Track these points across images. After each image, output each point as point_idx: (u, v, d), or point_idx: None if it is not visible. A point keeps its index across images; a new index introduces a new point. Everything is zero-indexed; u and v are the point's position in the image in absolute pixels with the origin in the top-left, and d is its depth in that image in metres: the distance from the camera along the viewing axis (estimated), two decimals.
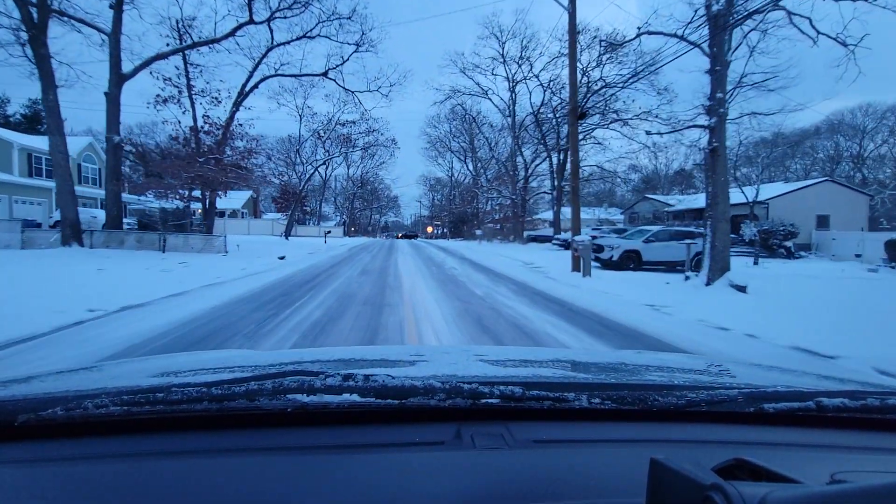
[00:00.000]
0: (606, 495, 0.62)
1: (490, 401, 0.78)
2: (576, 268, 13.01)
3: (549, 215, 37.79)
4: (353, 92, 22.62)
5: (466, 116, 41.71)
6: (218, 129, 19.95)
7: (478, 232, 34.33)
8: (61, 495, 0.61)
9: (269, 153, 19.17)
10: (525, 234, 33.09)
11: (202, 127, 20.18)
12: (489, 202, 49.46)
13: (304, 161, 30.46)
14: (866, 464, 0.73)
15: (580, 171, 30.40)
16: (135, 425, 0.76)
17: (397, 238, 64.20)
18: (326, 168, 72.37)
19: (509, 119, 33.87)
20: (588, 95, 25.85)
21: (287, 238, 30.16)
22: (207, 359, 1.46)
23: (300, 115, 30.21)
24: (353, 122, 30.09)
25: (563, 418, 0.83)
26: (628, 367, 1.27)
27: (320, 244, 29.41)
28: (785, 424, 0.85)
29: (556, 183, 28.85)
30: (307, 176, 30.28)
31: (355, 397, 0.76)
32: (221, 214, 53.51)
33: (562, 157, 27.76)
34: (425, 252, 23.34)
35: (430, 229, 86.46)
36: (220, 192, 21.41)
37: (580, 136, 27.74)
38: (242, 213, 54.62)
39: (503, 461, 0.69)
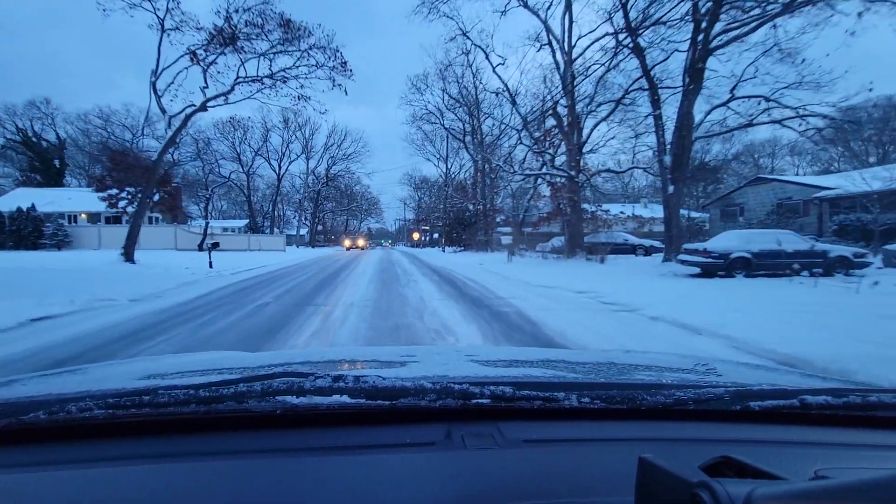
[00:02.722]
0: (596, 494, 0.62)
1: (480, 401, 0.78)
2: None
3: (639, 209, 23.03)
4: None
5: (469, 59, 27.07)
6: None
7: (504, 239, 19.41)
8: (44, 501, 0.60)
9: None
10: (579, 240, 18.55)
11: None
12: (502, 193, 34.64)
13: (165, 109, 15.15)
14: (848, 460, 0.74)
15: (732, 99, 14.26)
16: (120, 429, 0.73)
17: (350, 249, 43.80)
18: (281, 160, 57.29)
19: (548, 45, 19.44)
20: None
21: (132, 259, 14.99)
22: (195, 360, 1.42)
23: (161, 23, 15.17)
24: (262, 28, 15.12)
25: (554, 418, 0.82)
26: (617, 367, 1.26)
27: (196, 270, 14.49)
28: (770, 422, 0.85)
29: (671, 146, 14.24)
30: (172, 132, 15.04)
31: (345, 398, 0.75)
32: (116, 220, 37.87)
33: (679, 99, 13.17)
34: (410, 311, 8.47)
35: (416, 236, 71.64)
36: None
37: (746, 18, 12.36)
38: (154, 217, 39.19)
39: (494, 461, 0.69)
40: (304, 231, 59.59)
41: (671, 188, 14.27)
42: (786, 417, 0.84)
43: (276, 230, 54.83)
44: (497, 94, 25.19)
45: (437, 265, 18.45)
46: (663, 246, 24.27)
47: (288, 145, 54.02)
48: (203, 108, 15.24)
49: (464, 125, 38.24)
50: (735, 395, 0.83)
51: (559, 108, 19.52)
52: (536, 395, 0.79)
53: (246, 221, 53.53)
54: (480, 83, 27.85)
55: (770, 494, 0.38)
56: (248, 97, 17.77)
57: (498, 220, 34.12)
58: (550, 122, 21.83)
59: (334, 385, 0.76)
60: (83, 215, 35.16)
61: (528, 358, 1.39)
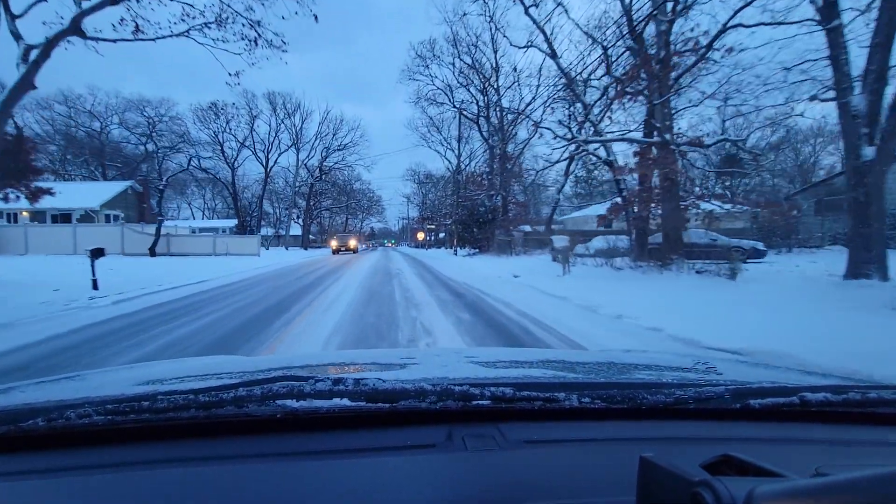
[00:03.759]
0: (597, 494, 0.62)
1: (481, 402, 0.77)
2: None
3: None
4: None
5: (489, 8, 21.14)
6: None
7: (557, 241, 13.35)
8: None
9: None
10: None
11: None
12: (517, 186, 28.52)
13: (21, 35, 9.31)
14: (848, 457, 0.73)
15: None
16: (120, 435, 0.73)
17: (339, 252, 34.80)
18: (269, 152, 49.96)
19: None
20: None
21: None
22: (194, 365, 1.39)
23: None
24: None
25: (554, 418, 0.81)
26: (618, 366, 1.25)
27: (68, 292, 8.71)
28: (770, 420, 0.84)
29: (865, 81, 8.14)
30: (27, 67, 9.19)
31: (345, 401, 0.75)
32: (65, 218, 32.01)
33: None
34: None
35: (420, 236, 65.81)
36: None
37: None
38: (114, 216, 33.35)
39: (495, 462, 0.68)
40: (300, 231, 53.71)
41: (869, 151, 8.21)
42: (786, 415, 0.83)
43: (265, 230, 48.92)
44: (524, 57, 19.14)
45: (455, 280, 12.43)
46: (765, 249, 18.37)
47: (277, 134, 48.00)
48: (76, 29, 9.28)
49: (478, 105, 32.21)
50: (735, 394, 0.83)
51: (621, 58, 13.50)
52: (537, 396, 0.78)
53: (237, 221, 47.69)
54: (505, 36, 21.73)
55: (771, 492, 0.38)
56: (183, 34, 11.90)
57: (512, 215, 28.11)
58: (592, 91, 15.77)
59: (334, 388, 0.75)
60: (24, 213, 29.42)
61: (528, 359, 1.41)
